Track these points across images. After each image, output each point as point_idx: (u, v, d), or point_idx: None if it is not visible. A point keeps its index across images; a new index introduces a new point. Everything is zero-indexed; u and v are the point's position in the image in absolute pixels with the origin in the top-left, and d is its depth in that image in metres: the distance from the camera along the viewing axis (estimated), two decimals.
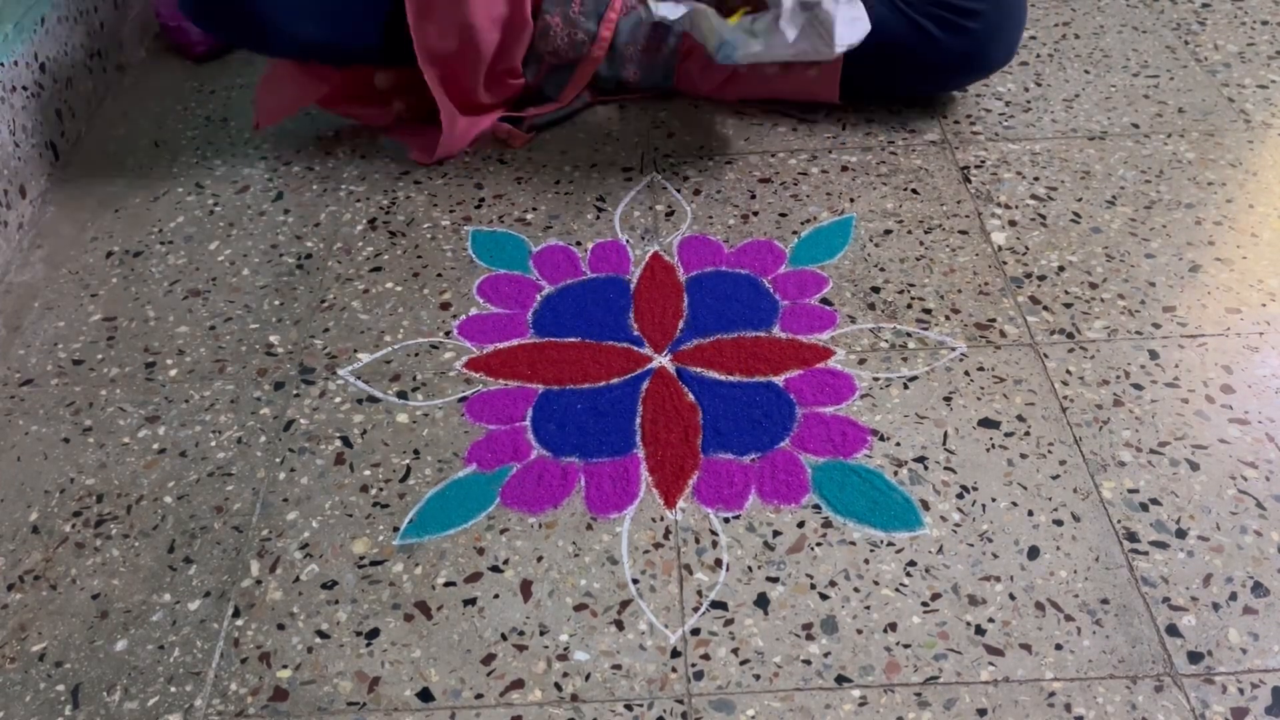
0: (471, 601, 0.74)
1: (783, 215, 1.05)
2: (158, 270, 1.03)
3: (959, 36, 1.09)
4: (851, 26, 1.00)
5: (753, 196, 1.07)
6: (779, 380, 0.88)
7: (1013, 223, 1.03)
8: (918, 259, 0.99)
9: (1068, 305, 0.93)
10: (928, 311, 0.93)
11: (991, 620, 0.71)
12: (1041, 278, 0.96)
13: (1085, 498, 0.78)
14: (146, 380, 0.92)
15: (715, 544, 0.76)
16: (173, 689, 0.70)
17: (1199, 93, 1.19)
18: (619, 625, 0.72)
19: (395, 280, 1.00)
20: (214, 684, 0.70)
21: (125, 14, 1.35)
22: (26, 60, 1.12)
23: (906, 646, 0.70)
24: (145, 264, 1.04)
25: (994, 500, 0.78)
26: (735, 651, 0.70)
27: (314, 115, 1.21)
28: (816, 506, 0.78)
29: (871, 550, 0.75)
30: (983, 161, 1.11)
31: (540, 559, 0.76)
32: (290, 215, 1.09)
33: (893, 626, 0.71)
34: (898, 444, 0.82)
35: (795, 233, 1.02)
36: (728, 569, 0.75)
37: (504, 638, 0.72)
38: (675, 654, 0.70)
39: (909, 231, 1.02)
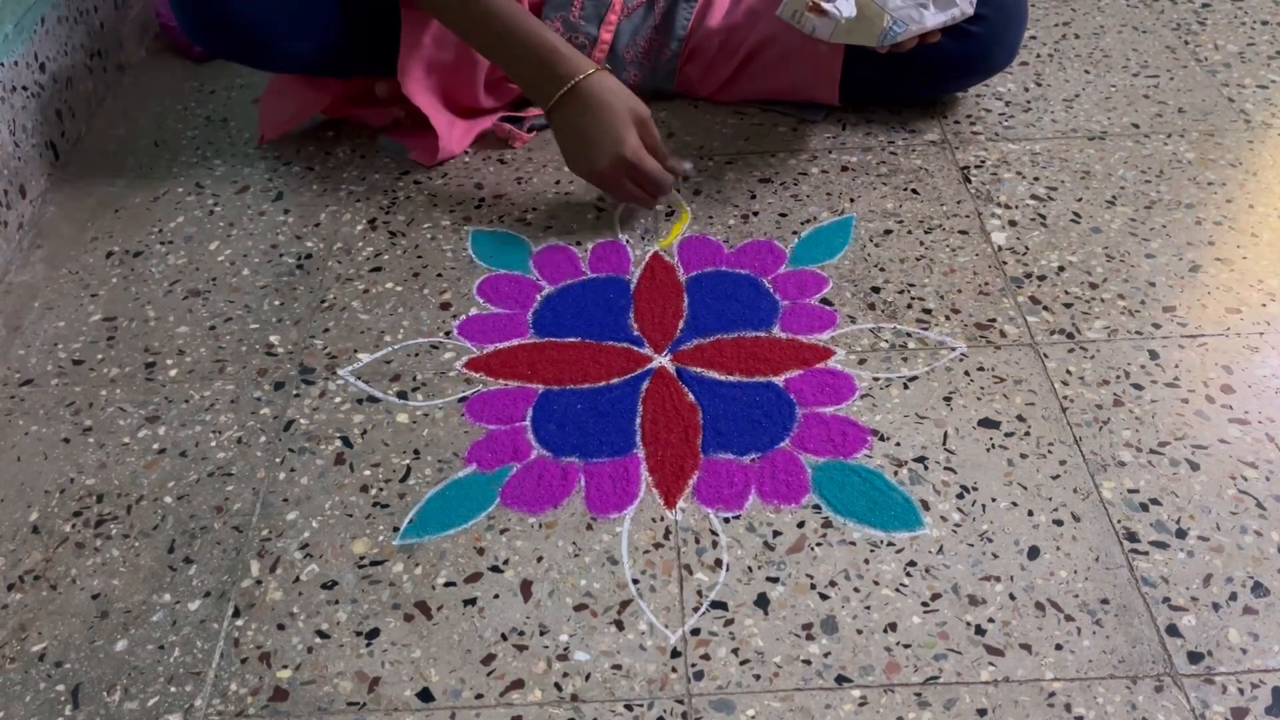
0: (471, 601, 0.74)
1: (783, 215, 1.05)
2: (158, 270, 1.03)
3: (961, 40, 1.09)
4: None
5: (753, 196, 1.07)
6: (779, 380, 0.88)
7: (1013, 223, 1.03)
8: (918, 259, 0.99)
9: (1068, 305, 0.93)
10: (928, 311, 0.93)
11: (991, 620, 0.71)
12: (1041, 278, 0.96)
13: (1085, 498, 0.78)
14: (146, 380, 0.92)
15: (715, 544, 0.76)
16: (173, 689, 0.70)
17: (1199, 93, 1.19)
18: (619, 625, 0.72)
19: (395, 280, 1.00)
20: (214, 684, 0.70)
21: (125, 14, 1.35)
22: (26, 60, 1.12)
23: (906, 646, 0.70)
24: (145, 264, 1.04)
25: (994, 500, 0.78)
26: (735, 651, 0.70)
27: (314, 117, 1.21)
28: (816, 506, 0.78)
29: (871, 550, 0.75)
30: (983, 161, 1.11)
31: (540, 559, 0.76)
32: (290, 215, 1.09)
33: (893, 626, 0.71)
34: (898, 444, 0.82)
35: (795, 233, 1.02)
36: (728, 569, 0.75)
37: (504, 638, 0.72)
38: (675, 654, 0.70)
39: (909, 231, 1.02)
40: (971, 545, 0.75)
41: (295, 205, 1.10)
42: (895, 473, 0.80)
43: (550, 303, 0.96)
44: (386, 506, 0.80)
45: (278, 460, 0.84)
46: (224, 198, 1.12)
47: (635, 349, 0.91)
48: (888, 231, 1.02)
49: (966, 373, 0.88)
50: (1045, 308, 0.93)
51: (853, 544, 0.76)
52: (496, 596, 0.74)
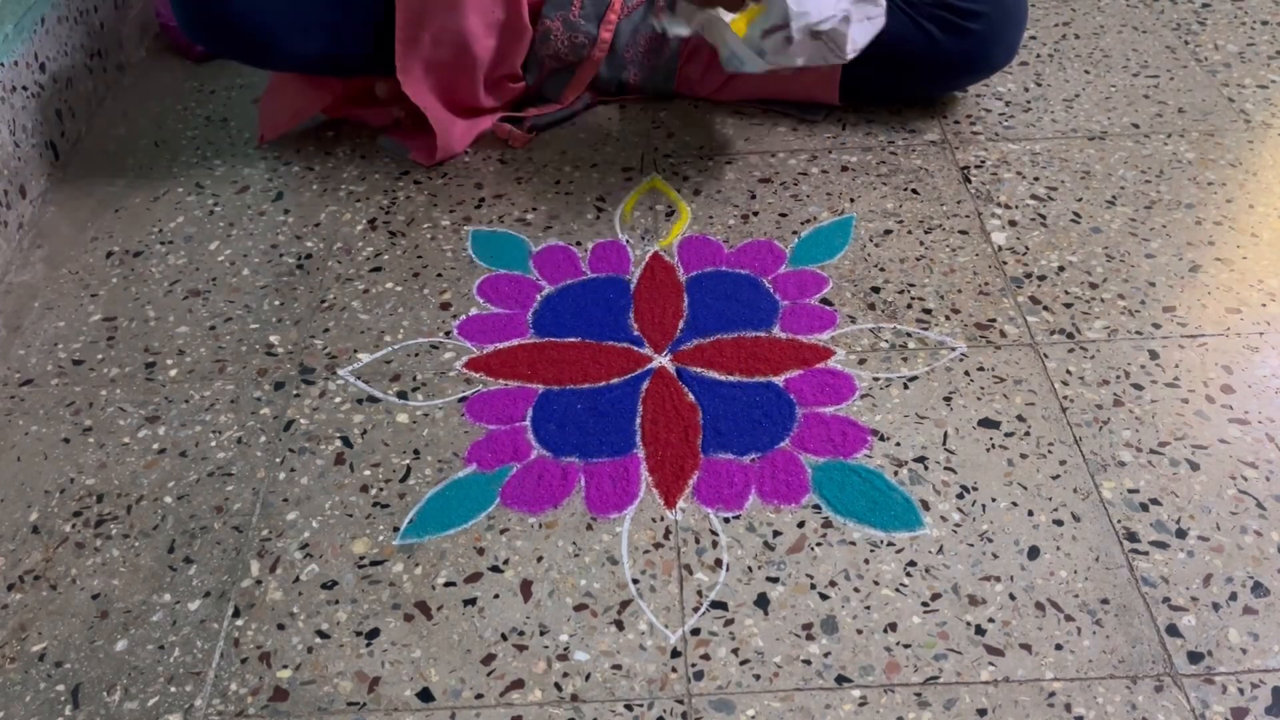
0: (471, 601, 0.74)
1: (783, 215, 1.05)
2: (158, 270, 1.03)
3: (961, 38, 1.09)
4: (863, 28, 1.00)
5: (753, 196, 1.07)
6: (779, 380, 0.88)
7: (1013, 223, 1.03)
8: (918, 259, 0.99)
9: (1068, 305, 0.93)
10: (928, 311, 0.93)
11: (991, 620, 0.71)
12: (1041, 278, 0.96)
13: (1085, 498, 0.78)
14: (146, 380, 0.92)
15: (715, 544, 0.76)
16: (173, 689, 0.70)
17: (1199, 93, 1.19)
18: (619, 625, 0.72)
19: (395, 280, 1.00)
20: (214, 684, 0.70)
21: (125, 14, 1.35)
22: (26, 60, 1.12)
23: (906, 646, 0.70)
24: (145, 264, 1.04)
25: (994, 500, 0.78)
26: (735, 651, 0.70)
27: (314, 117, 1.21)
28: (816, 506, 0.78)
29: (871, 550, 0.75)
30: (983, 161, 1.11)
31: (540, 559, 0.76)
32: (290, 215, 1.09)
33: (893, 626, 0.71)
34: (898, 444, 0.82)
35: (795, 233, 1.02)
36: (728, 569, 0.75)
37: (504, 638, 0.72)
38: (675, 654, 0.70)
39: (909, 231, 1.02)
40: (971, 545, 0.75)
41: (295, 205, 1.10)
42: (895, 473, 0.80)
43: (550, 303, 0.96)
44: (386, 506, 0.80)
45: (278, 460, 0.84)
46: (224, 198, 1.12)
47: (635, 349, 0.91)
48: (888, 231, 1.02)
49: (966, 373, 0.88)
50: (1045, 308, 0.93)
51: (853, 544, 0.76)
52: (496, 596, 0.74)
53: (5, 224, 1.05)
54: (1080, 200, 1.05)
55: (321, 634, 0.72)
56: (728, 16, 1.00)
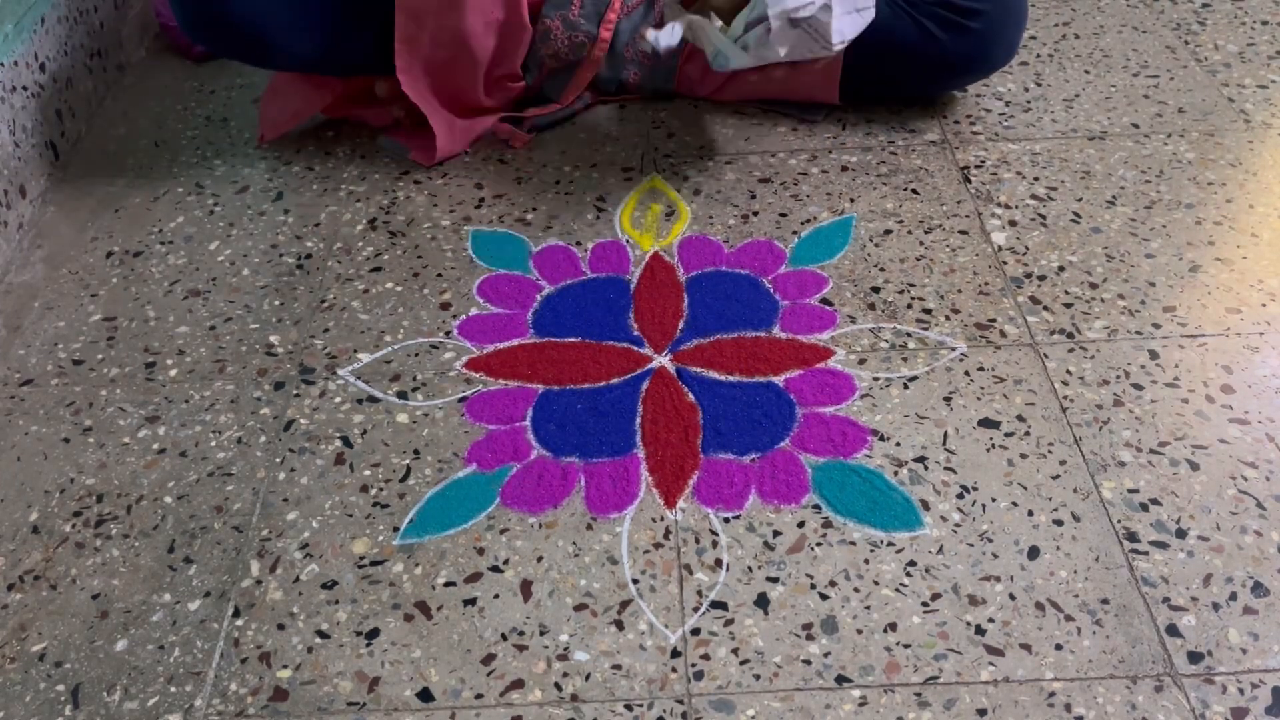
0: (471, 601, 0.74)
1: (783, 215, 1.05)
2: (158, 270, 1.03)
3: (961, 36, 1.09)
4: (851, 20, 0.99)
5: (753, 196, 1.07)
6: (779, 380, 0.88)
7: (1013, 223, 1.03)
8: (918, 259, 0.99)
9: (1068, 305, 0.93)
10: (928, 311, 0.93)
11: (991, 620, 0.71)
12: (1041, 278, 0.96)
13: (1085, 498, 0.78)
14: (146, 380, 0.92)
15: (715, 544, 0.76)
16: (173, 689, 0.70)
17: (1199, 93, 1.19)
18: (619, 625, 0.72)
19: (395, 280, 1.00)
20: (214, 684, 0.70)
21: (125, 14, 1.35)
22: (26, 60, 1.12)
23: (906, 646, 0.70)
24: (145, 264, 1.04)
25: (994, 500, 0.78)
26: (735, 651, 0.70)
27: (314, 116, 1.21)
28: (816, 506, 0.78)
29: (871, 550, 0.75)
30: (983, 161, 1.11)
31: (540, 559, 0.76)
32: (290, 215, 1.09)
33: (893, 626, 0.71)
34: (898, 444, 0.82)
35: (795, 233, 1.02)
36: (728, 569, 0.75)
37: (504, 638, 0.72)
38: (675, 654, 0.70)
39: (909, 231, 1.02)
40: (971, 545, 0.75)
41: (295, 205, 1.10)
42: (895, 473, 0.80)
43: (550, 303, 0.96)
44: (386, 506, 0.80)
45: (278, 460, 0.84)
46: (224, 198, 1.12)
47: (635, 349, 0.91)
48: (888, 231, 1.02)
49: (966, 373, 0.88)
50: (1045, 308, 0.93)
51: (853, 544, 0.76)
52: (496, 596, 0.74)
53: (5, 224, 1.05)
54: (1080, 200, 1.05)
55: (321, 634, 0.72)
56: (717, 19, 1.00)
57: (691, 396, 0.87)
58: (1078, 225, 1.02)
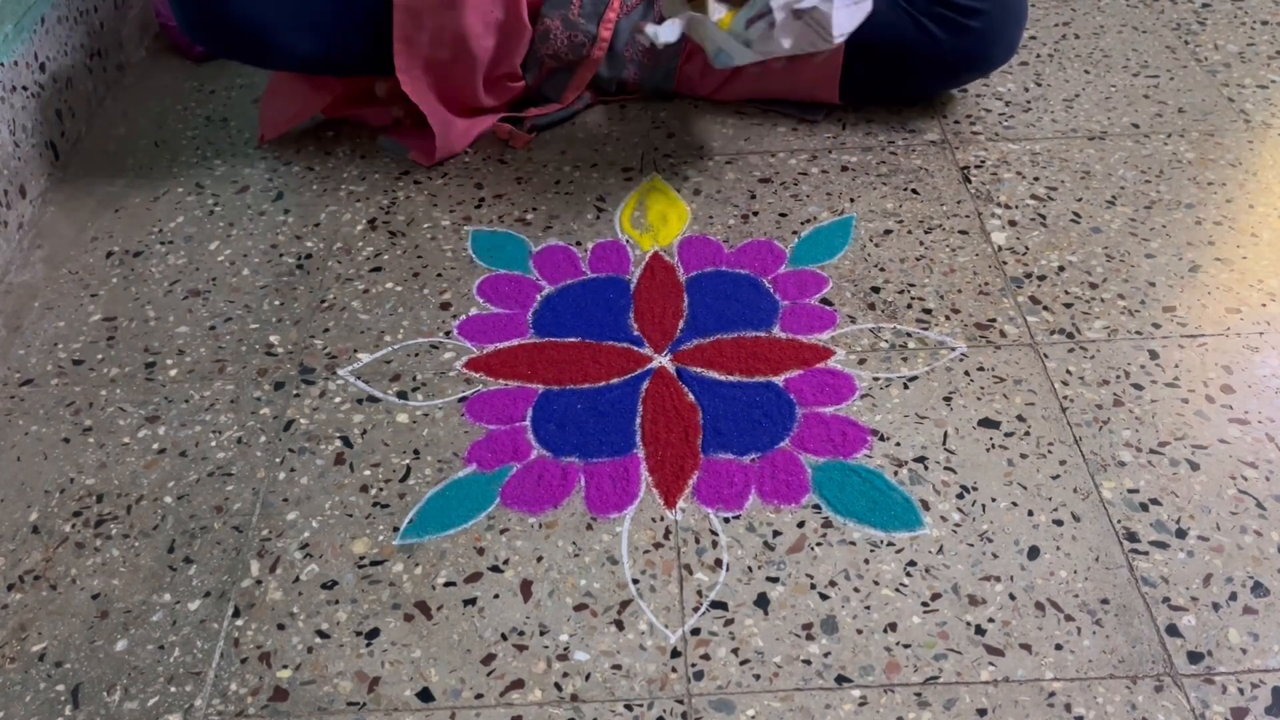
0: (471, 601, 0.74)
1: (783, 215, 1.05)
2: (158, 270, 1.03)
3: (961, 35, 1.09)
4: (850, 13, 0.99)
5: (753, 196, 1.07)
6: (779, 380, 0.88)
7: (1013, 223, 1.03)
8: (918, 259, 0.99)
9: (1068, 305, 0.93)
10: (928, 311, 0.93)
11: (991, 620, 0.71)
12: (1041, 278, 0.96)
13: (1085, 498, 0.78)
14: (146, 380, 0.92)
15: (715, 544, 0.76)
16: (173, 689, 0.70)
17: (1199, 93, 1.19)
18: (619, 625, 0.72)
19: (395, 280, 1.00)
20: (214, 684, 0.70)
21: (125, 14, 1.35)
22: (26, 60, 1.12)
23: (906, 646, 0.70)
24: (145, 264, 1.04)
25: (994, 500, 0.78)
26: (735, 651, 0.70)
27: (314, 116, 1.21)
28: (816, 506, 0.78)
29: (871, 550, 0.75)
30: (983, 161, 1.11)
31: (540, 559, 0.76)
32: (290, 215, 1.09)
33: (893, 626, 0.71)
34: (898, 444, 0.82)
35: (795, 233, 1.02)
36: (728, 569, 0.75)
37: (504, 638, 0.72)
38: (675, 654, 0.70)
39: (909, 231, 1.02)
40: (971, 545, 0.75)
41: (295, 205, 1.10)
42: (895, 473, 0.80)
43: (550, 303, 0.96)
44: (386, 506, 0.80)
45: (278, 460, 0.84)
46: (224, 198, 1.12)
47: (635, 349, 0.91)
48: (888, 231, 1.02)
49: (966, 373, 0.88)
50: (1045, 308, 0.93)
51: (853, 544, 0.76)
52: (496, 596, 0.74)
53: (5, 224, 1.05)
54: (1080, 200, 1.05)
55: (321, 634, 0.72)
56: (717, 14, 1.00)
57: (691, 396, 0.87)
58: (1078, 225, 1.02)
